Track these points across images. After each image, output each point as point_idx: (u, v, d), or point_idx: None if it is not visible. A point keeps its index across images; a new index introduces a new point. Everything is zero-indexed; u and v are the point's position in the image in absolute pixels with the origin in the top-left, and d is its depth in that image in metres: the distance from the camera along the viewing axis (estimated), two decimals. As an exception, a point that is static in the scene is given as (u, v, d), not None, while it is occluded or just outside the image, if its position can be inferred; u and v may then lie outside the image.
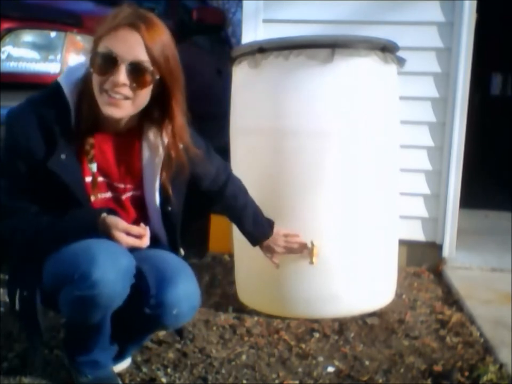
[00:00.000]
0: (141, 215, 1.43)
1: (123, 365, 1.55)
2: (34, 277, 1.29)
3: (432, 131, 2.51)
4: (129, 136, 1.36)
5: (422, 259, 2.57)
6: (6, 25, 2.26)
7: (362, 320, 1.91)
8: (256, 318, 1.93)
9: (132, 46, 1.20)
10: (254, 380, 1.52)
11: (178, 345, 1.70)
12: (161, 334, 1.73)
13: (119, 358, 1.53)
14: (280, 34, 2.02)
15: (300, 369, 1.58)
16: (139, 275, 1.26)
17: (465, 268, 2.44)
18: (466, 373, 1.53)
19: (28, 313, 1.29)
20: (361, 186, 1.86)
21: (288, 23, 2.50)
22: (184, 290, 1.29)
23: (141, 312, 1.28)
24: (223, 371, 1.56)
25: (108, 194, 1.37)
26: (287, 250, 1.78)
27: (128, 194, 1.40)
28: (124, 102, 1.23)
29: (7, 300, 1.34)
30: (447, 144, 2.47)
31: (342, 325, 1.87)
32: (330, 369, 1.59)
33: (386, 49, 1.86)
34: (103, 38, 1.22)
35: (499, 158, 5.77)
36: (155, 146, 1.37)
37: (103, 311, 1.25)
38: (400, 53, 1.98)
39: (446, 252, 2.51)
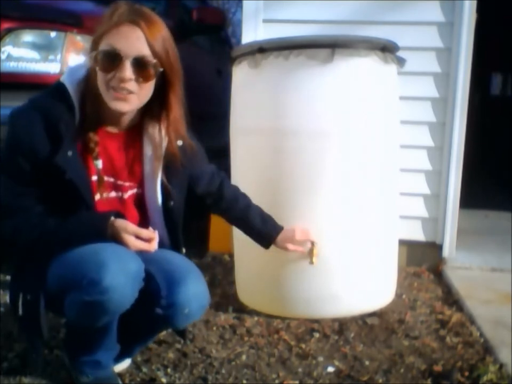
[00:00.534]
0: (141, 215, 1.42)
1: (123, 365, 1.55)
2: (38, 280, 1.26)
3: (432, 131, 2.51)
4: (131, 133, 1.37)
5: (422, 259, 2.57)
6: (6, 25, 2.26)
7: (362, 320, 1.91)
8: (256, 318, 1.93)
9: (134, 42, 1.22)
10: (254, 380, 1.52)
11: (178, 345, 1.70)
12: (161, 334, 1.73)
13: (124, 357, 1.53)
14: (280, 34, 2.02)
15: (300, 369, 1.58)
16: (148, 276, 1.25)
17: (465, 267, 2.44)
18: (466, 373, 1.53)
19: (31, 318, 1.27)
20: (361, 186, 1.86)
21: (288, 23, 2.50)
22: (194, 290, 1.29)
23: (151, 312, 1.27)
24: (223, 371, 1.56)
25: (112, 194, 1.37)
26: (302, 243, 1.77)
27: (130, 192, 1.40)
28: (130, 96, 1.25)
29: (7, 300, 1.33)
30: (447, 144, 2.48)
31: (342, 325, 1.87)
32: (330, 369, 1.59)
33: (386, 49, 1.86)
34: (104, 36, 1.23)
35: (499, 158, 5.78)
36: (155, 141, 1.37)
37: (111, 315, 1.25)
38: (400, 53, 1.98)
39: (446, 252, 2.51)
